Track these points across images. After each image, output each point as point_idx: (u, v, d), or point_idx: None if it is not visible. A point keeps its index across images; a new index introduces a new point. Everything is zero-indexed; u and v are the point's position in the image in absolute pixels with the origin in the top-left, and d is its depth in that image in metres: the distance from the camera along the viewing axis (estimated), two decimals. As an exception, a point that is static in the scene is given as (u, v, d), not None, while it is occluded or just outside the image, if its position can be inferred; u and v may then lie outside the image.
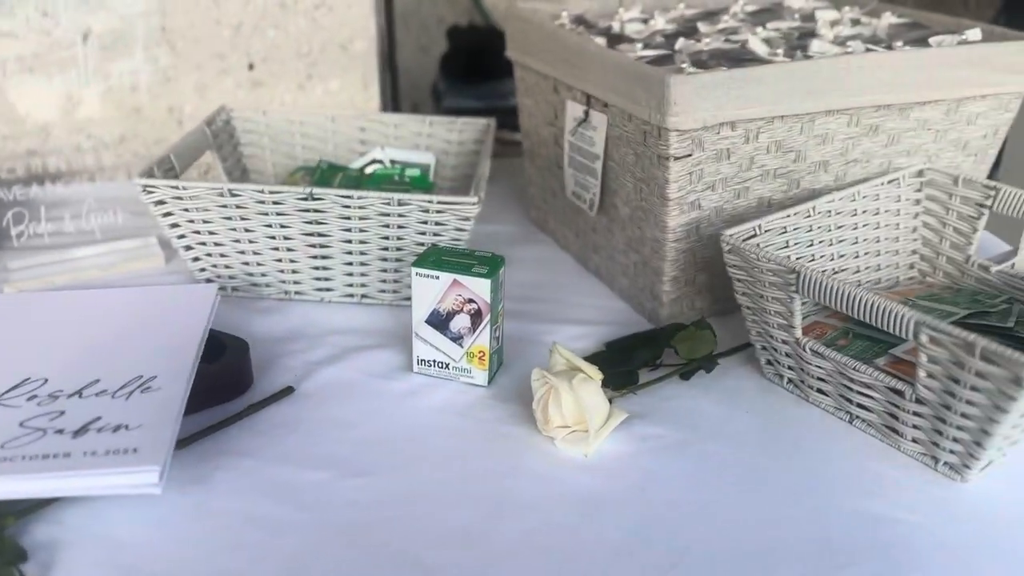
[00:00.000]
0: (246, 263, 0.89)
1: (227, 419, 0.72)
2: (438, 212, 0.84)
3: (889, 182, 0.90)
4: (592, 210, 0.94)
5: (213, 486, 0.66)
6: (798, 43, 0.91)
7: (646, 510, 0.65)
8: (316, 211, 0.84)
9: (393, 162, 1.07)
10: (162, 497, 0.64)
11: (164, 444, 0.62)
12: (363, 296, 0.91)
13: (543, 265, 1.04)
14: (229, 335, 0.78)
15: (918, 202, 0.92)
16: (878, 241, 0.91)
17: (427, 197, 0.83)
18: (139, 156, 1.33)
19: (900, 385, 0.69)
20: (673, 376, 0.80)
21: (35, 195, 1.08)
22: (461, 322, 0.77)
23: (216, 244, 0.88)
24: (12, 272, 0.94)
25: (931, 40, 0.92)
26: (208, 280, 0.91)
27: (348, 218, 0.85)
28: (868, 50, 0.89)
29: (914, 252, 0.94)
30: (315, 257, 0.88)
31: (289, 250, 0.88)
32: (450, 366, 0.79)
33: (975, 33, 0.94)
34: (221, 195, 0.84)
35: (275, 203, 0.84)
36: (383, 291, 0.91)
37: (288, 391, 0.77)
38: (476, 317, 0.77)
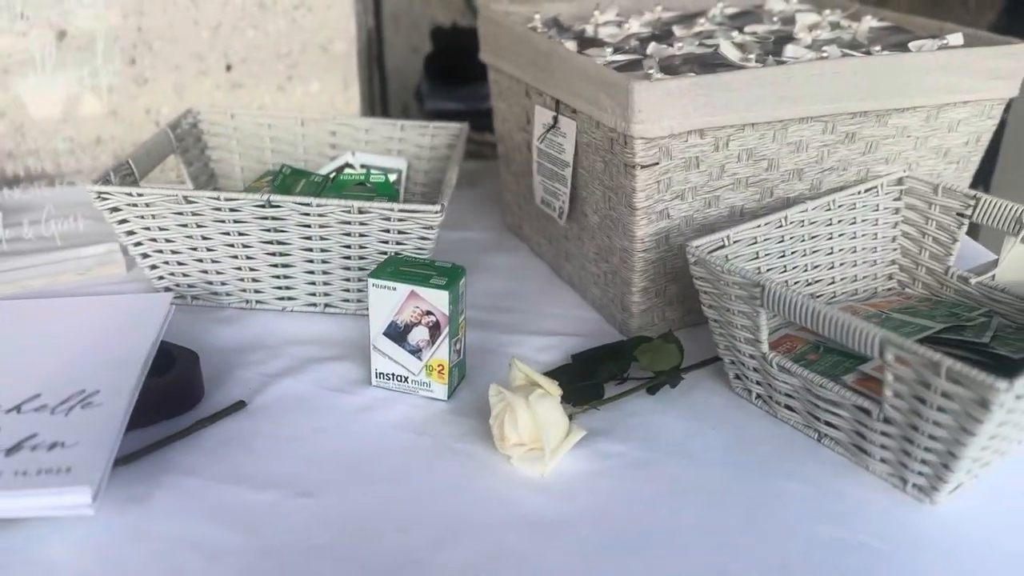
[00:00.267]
0: (205, 271, 0.87)
1: (173, 435, 0.70)
2: (400, 221, 0.82)
3: (867, 191, 0.87)
4: (561, 219, 0.91)
5: (153, 507, 0.64)
6: (774, 48, 0.89)
7: (600, 534, 0.63)
8: (275, 219, 0.82)
9: (364, 167, 1.05)
10: (99, 518, 0.62)
11: (100, 463, 0.60)
12: (326, 306, 0.89)
13: (515, 273, 1.02)
14: (179, 346, 0.76)
15: (897, 211, 0.90)
16: (855, 251, 0.89)
17: (388, 205, 0.81)
18: (117, 158, 1.31)
19: (867, 404, 0.66)
20: (640, 390, 0.78)
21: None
22: (419, 335, 0.75)
23: (173, 252, 0.86)
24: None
25: (911, 45, 0.90)
26: (167, 289, 0.89)
27: (308, 226, 0.82)
28: (845, 55, 0.86)
29: (893, 262, 0.92)
30: (275, 266, 0.86)
31: (248, 258, 0.85)
32: (409, 379, 0.77)
33: (956, 38, 0.91)
34: (176, 202, 0.81)
35: (232, 210, 0.82)
36: (347, 300, 0.89)
37: (239, 405, 0.74)
38: (434, 330, 0.74)
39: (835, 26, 0.98)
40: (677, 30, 0.96)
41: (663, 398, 0.78)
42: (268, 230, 0.83)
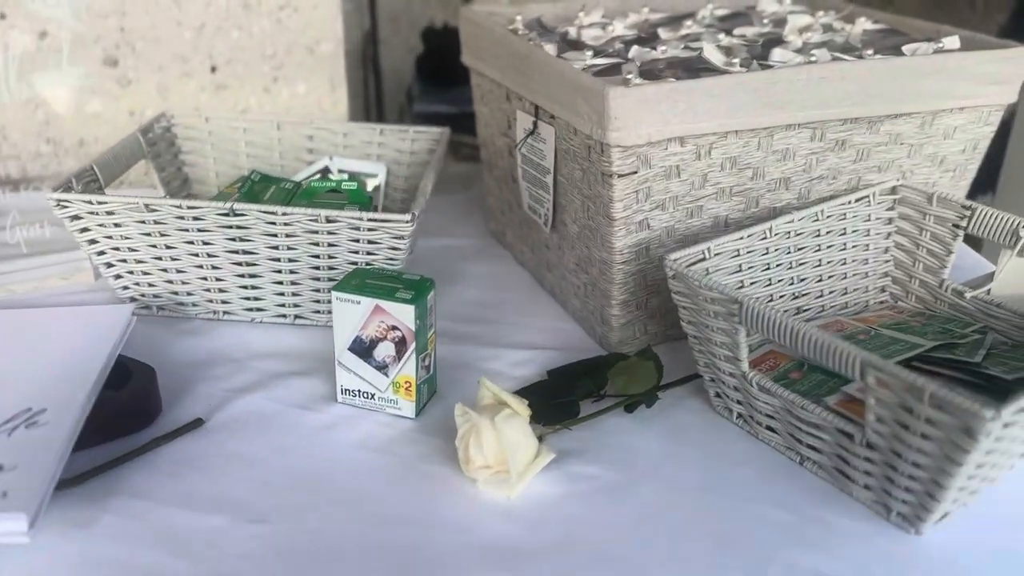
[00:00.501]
0: (170, 281, 0.84)
1: (124, 455, 0.67)
2: (370, 230, 0.79)
3: (857, 200, 0.84)
4: (547, 226, 0.88)
5: (99, 531, 0.61)
6: (762, 51, 0.85)
7: (568, 564, 0.60)
8: (240, 227, 0.79)
9: (343, 172, 1.02)
10: (41, 544, 0.59)
11: (38, 488, 0.57)
12: (296, 317, 0.86)
13: (496, 282, 0.99)
14: (136, 361, 0.73)
15: (890, 221, 0.86)
16: (844, 263, 0.85)
17: (357, 214, 0.78)
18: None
19: (850, 427, 0.63)
20: (618, 408, 0.75)
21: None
22: (385, 350, 0.72)
23: (138, 262, 0.83)
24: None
25: (905, 48, 0.86)
26: (132, 299, 0.86)
27: (274, 235, 0.80)
28: (835, 59, 0.83)
29: (885, 275, 0.88)
30: (242, 276, 0.83)
31: (214, 268, 0.82)
32: (376, 396, 0.74)
33: (953, 41, 0.87)
34: (138, 210, 0.79)
35: (195, 219, 0.79)
36: (317, 312, 0.86)
37: (197, 423, 0.71)
38: (401, 345, 0.71)
39: (827, 28, 0.94)
40: (663, 32, 0.93)
41: (641, 416, 0.75)
42: (233, 239, 0.80)
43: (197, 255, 0.81)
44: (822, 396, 0.69)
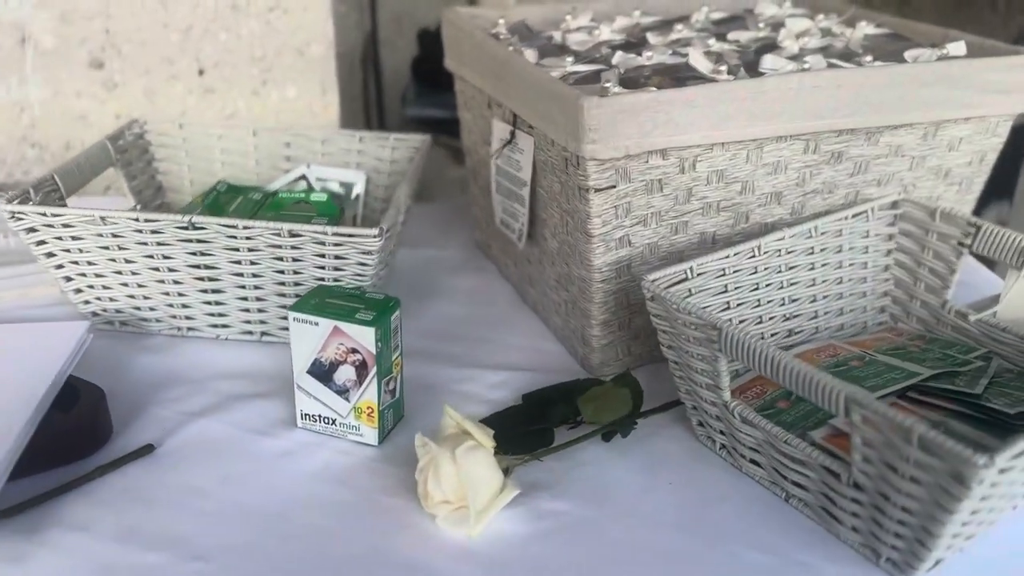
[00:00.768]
0: (132, 296, 0.81)
1: (65, 484, 0.64)
2: (336, 246, 0.75)
3: (855, 216, 0.79)
4: (520, 241, 0.84)
5: (32, 567, 0.57)
6: (755, 57, 0.80)
7: (526, 611, 0.56)
8: (200, 241, 0.76)
9: (320, 180, 0.98)
10: (-34, 581, 0.55)
11: (-39, 523, 0.53)
12: (263, 334, 0.82)
13: (479, 297, 0.95)
14: (85, 382, 0.70)
15: (891, 237, 0.82)
16: (841, 283, 0.80)
17: (322, 229, 0.74)
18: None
19: (836, 466, 0.58)
20: (595, 436, 0.70)
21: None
22: (346, 374, 0.68)
23: (97, 276, 0.79)
24: None
25: (906, 55, 0.81)
26: (94, 314, 0.83)
27: (236, 249, 0.76)
28: (830, 65, 0.78)
29: (885, 294, 0.83)
30: (205, 291, 0.79)
31: (176, 283, 0.79)
32: (337, 422, 0.70)
33: (958, 47, 0.83)
34: (94, 223, 0.75)
35: (153, 232, 0.75)
36: (285, 328, 0.82)
37: (147, 449, 0.68)
38: (362, 369, 0.67)
39: (826, 33, 0.90)
40: (652, 37, 0.88)
41: (618, 445, 0.70)
42: (194, 254, 0.76)
43: (158, 269, 0.78)
44: (809, 429, 0.64)
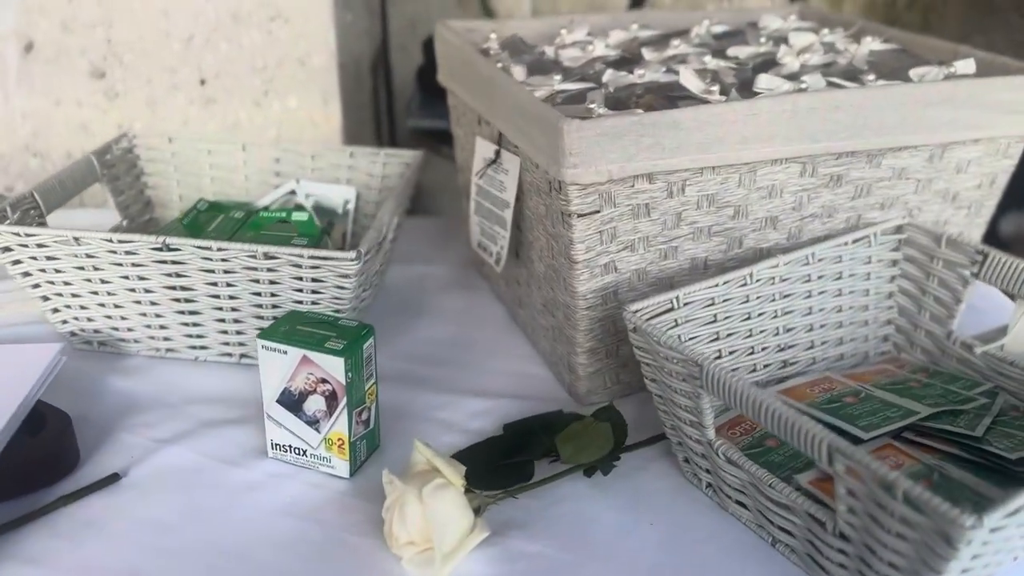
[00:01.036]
0: (109, 316, 0.79)
1: (24, 515, 0.62)
2: (313, 268, 0.73)
3: (856, 241, 0.76)
4: (498, 265, 0.81)
5: (-19, 605, 0.56)
6: (752, 75, 0.77)
7: (490, 663, 0.53)
8: (175, 263, 0.74)
9: (309, 196, 0.96)
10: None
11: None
12: (242, 356, 0.80)
13: (469, 318, 0.92)
14: (51, 407, 0.68)
15: (894, 263, 0.78)
16: (840, 311, 0.77)
17: (298, 251, 0.72)
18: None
19: (821, 513, 0.55)
20: (576, 471, 0.67)
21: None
22: (316, 404, 0.66)
23: (74, 296, 0.78)
24: None
25: (912, 73, 0.78)
26: (72, 333, 0.81)
27: (212, 271, 0.74)
28: (830, 84, 0.75)
29: (888, 322, 0.80)
30: (182, 313, 0.77)
31: (153, 304, 0.77)
32: (307, 453, 0.68)
33: (968, 65, 0.79)
34: (67, 243, 0.74)
35: (128, 253, 0.73)
36: (264, 351, 0.80)
37: (112, 479, 0.66)
38: (332, 400, 0.65)
39: (830, 48, 0.86)
40: (648, 53, 0.85)
41: (600, 482, 0.67)
42: (170, 275, 0.75)
43: (134, 291, 0.76)
44: (797, 471, 0.61)
